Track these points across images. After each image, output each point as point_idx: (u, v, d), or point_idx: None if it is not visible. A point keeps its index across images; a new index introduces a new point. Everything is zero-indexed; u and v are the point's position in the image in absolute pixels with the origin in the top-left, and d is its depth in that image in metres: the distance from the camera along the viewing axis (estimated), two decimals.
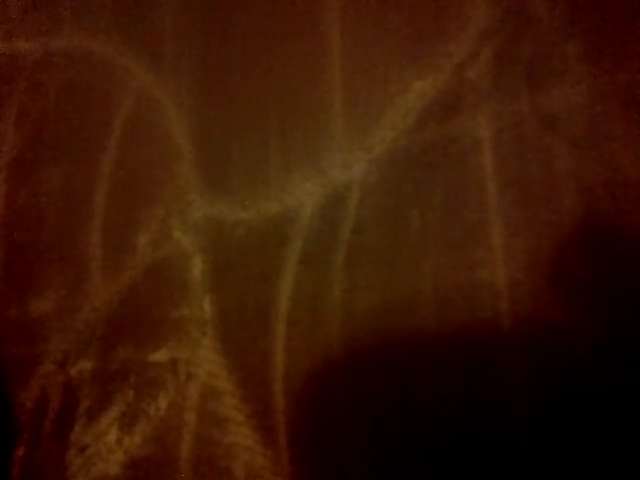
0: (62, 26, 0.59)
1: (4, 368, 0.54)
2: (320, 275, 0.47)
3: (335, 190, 0.48)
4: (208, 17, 0.54)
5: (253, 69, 0.52)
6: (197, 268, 0.51)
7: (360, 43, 0.49)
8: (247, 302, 0.49)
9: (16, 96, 0.59)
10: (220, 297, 0.49)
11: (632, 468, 0.39)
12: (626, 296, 0.40)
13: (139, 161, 0.54)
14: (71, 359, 0.52)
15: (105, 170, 0.55)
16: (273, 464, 0.46)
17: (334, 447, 0.45)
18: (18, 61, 0.60)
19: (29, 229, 0.56)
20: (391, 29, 0.48)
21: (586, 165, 0.42)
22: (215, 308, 0.49)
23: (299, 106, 0.50)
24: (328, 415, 0.45)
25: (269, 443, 0.46)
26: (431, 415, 0.43)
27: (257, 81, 0.52)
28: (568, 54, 0.44)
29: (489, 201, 0.44)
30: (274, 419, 0.46)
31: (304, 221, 0.48)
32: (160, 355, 0.50)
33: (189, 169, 0.52)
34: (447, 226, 0.44)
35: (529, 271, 0.42)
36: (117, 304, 0.52)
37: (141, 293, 0.52)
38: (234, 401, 0.48)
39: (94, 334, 0.52)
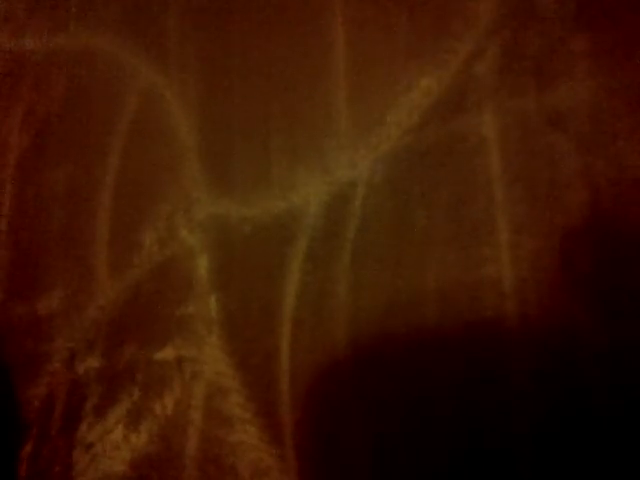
0: (68, 25, 0.59)
1: (11, 366, 0.54)
2: (325, 273, 0.47)
3: (340, 188, 0.48)
4: (213, 16, 0.54)
5: (258, 67, 0.52)
6: (203, 266, 0.51)
7: (364, 40, 0.49)
8: (252, 300, 0.49)
9: (22, 95, 0.59)
10: (226, 295, 0.50)
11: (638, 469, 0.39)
12: (633, 296, 0.40)
13: (144, 159, 0.54)
14: (78, 357, 0.53)
15: (111, 169, 0.55)
16: (279, 462, 0.46)
17: (340, 445, 0.45)
18: (24, 60, 0.60)
19: (35, 228, 0.56)
20: (395, 26, 0.48)
21: (592, 163, 0.42)
22: (221, 306, 0.50)
23: (303, 104, 0.50)
24: (334, 413, 0.46)
25: (275, 441, 0.46)
26: (435, 414, 0.43)
27: (262, 79, 0.52)
28: (575, 51, 0.43)
29: (495, 199, 0.44)
30: (280, 417, 0.46)
31: (309, 219, 0.48)
32: (166, 353, 0.50)
33: (195, 167, 0.53)
34: (453, 224, 0.44)
35: (535, 269, 0.42)
36: (123, 302, 0.52)
37: (147, 291, 0.52)
38: (240, 399, 0.48)
39: (100, 332, 0.53)
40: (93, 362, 0.52)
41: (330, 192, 0.48)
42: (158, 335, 0.51)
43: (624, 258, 0.40)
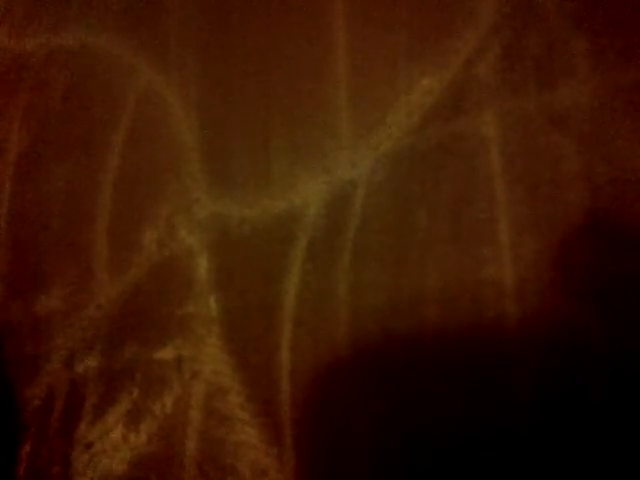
0: (67, 24, 0.59)
1: (11, 366, 0.54)
2: (326, 274, 0.47)
3: (341, 188, 0.48)
4: (213, 15, 0.54)
5: (258, 67, 0.52)
6: (202, 266, 0.51)
7: (365, 39, 0.49)
8: (252, 300, 0.49)
9: (22, 94, 0.59)
10: (226, 295, 0.50)
11: (637, 467, 0.39)
12: (633, 295, 0.40)
13: (144, 159, 0.54)
14: (77, 357, 0.53)
15: (110, 168, 0.55)
16: (278, 462, 0.46)
17: (339, 445, 0.45)
18: (24, 59, 0.60)
19: (35, 227, 0.56)
20: (397, 25, 0.48)
21: (593, 163, 0.42)
22: (221, 306, 0.49)
23: (304, 103, 0.50)
24: (333, 413, 0.45)
25: (274, 441, 0.46)
26: (435, 413, 0.43)
27: (262, 78, 0.52)
28: (575, 51, 0.43)
29: (496, 199, 0.44)
30: (279, 417, 0.46)
31: (310, 219, 0.48)
32: (165, 353, 0.50)
33: (194, 167, 0.53)
34: (453, 224, 0.44)
35: (536, 269, 0.42)
36: (123, 302, 0.52)
37: (147, 291, 0.52)
38: (239, 399, 0.48)
39: (100, 332, 0.53)
40: (92, 362, 0.52)
41: (330, 192, 0.48)
42: (158, 335, 0.50)
43: (624, 257, 0.40)
